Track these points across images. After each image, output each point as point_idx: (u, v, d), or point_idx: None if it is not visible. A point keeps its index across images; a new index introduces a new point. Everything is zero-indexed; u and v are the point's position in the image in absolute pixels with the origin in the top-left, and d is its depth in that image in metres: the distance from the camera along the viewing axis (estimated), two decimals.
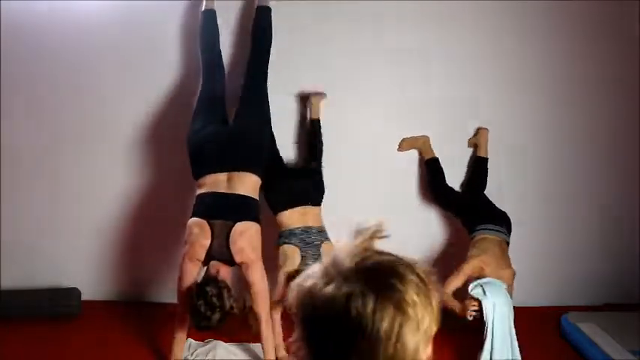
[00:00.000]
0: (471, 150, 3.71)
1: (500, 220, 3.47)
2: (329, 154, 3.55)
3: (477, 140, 3.68)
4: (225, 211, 2.91)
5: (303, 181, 3.37)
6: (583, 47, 3.59)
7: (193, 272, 2.89)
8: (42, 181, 3.59)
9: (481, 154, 3.67)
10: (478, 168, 3.69)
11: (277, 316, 3.12)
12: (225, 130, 3.14)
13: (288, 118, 3.57)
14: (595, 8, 3.52)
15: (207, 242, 2.85)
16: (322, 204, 3.37)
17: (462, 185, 3.74)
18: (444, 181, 3.64)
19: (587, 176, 3.77)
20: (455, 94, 3.62)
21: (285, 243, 3.17)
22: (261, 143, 3.18)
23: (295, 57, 3.49)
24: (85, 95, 3.50)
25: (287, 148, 3.58)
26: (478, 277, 3.19)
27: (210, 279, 2.82)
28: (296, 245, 3.14)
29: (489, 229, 3.40)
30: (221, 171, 2.98)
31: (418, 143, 3.65)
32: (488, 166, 3.66)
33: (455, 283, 3.20)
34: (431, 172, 3.66)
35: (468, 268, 3.22)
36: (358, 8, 3.45)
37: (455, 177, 3.70)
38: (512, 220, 3.65)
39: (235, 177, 2.97)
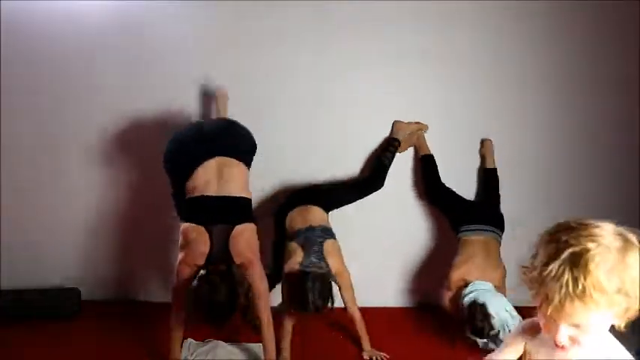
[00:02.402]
0: (468, 151, 3.71)
1: (488, 220, 3.45)
2: (327, 154, 3.57)
3: (482, 152, 3.69)
4: (221, 215, 2.88)
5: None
6: (583, 47, 3.59)
7: (190, 277, 2.89)
8: (42, 181, 3.59)
9: (488, 165, 3.67)
10: (489, 179, 3.67)
11: (289, 321, 3.12)
12: (210, 123, 3.16)
13: (287, 119, 3.58)
14: (595, 8, 3.51)
15: (207, 249, 2.84)
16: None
17: (476, 196, 3.72)
18: (439, 178, 3.62)
19: (588, 176, 3.77)
20: (454, 95, 3.62)
21: (290, 241, 3.20)
22: (251, 136, 3.14)
23: (295, 57, 3.49)
24: (85, 95, 3.50)
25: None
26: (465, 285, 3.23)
27: (224, 274, 2.86)
28: (298, 243, 3.14)
29: (472, 230, 3.39)
30: (210, 157, 2.92)
31: (413, 139, 3.63)
32: (498, 175, 3.65)
33: (447, 296, 3.30)
34: (426, 168, 3.63)
35: (454, 279, 3.28)
36: (358, 8, 3.45)
37: (455, 178, 3.71)
38: (511, 220, 3.66)
39: (225, 170, 2.92)
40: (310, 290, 2.90)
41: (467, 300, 3.15)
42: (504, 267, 3.33)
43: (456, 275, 3.28)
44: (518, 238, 3.77)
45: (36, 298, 3.53)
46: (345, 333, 3.42)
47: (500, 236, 3.45)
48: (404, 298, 3.87)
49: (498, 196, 3.63)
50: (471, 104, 3.64)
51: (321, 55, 3.49)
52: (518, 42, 3.57)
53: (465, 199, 3.64)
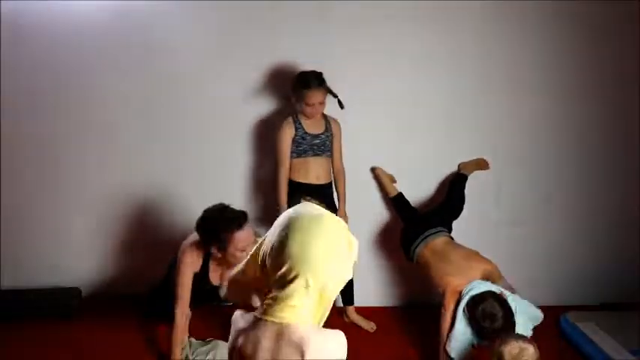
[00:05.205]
0: (469, 151, 3.71)
1: (427, 224, 3.34)
2: None
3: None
4: None
5: None
6: (582, 48, 3.60)
7: (197, 263, 2.95)
8: (42, 180, 3.59)
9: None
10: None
11: None
12: None
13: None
14: (595, 8, 3.52)
15: None
16: None
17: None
18: (414, 210, 3.58)
19: (587, 176, 3.78)
20: (454, 95, 3.63)
21: None
22: None
23: (295, 58, 3.49)
24: (86, 94, 3.51)
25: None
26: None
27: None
28: None
29: (421, 241, 3.27)
30: None
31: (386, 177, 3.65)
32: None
33: (447, 325, 3.04)
34: (399, 206, 3.59)
35: (450, 303, 3.03)
36: (358, 8, 3.46)
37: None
38: (511, 220, 3.66)
39: None
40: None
41: (466, 300, 2.97)
42: (481, 258, 3.15)
43: (452, 296, 3.03)
44: (519, 238, 3.79)
45: (36, 298, 3.53)
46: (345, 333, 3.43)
47: (445, 233, 3.33)
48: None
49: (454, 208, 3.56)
50: (471, 104, 3.65)
51: (322, 54, 3.49)
52: (516, 43, 3.58)
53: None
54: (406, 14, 3.48)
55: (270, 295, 1.46)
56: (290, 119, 3.32)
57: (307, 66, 3.32)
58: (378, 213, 3.74)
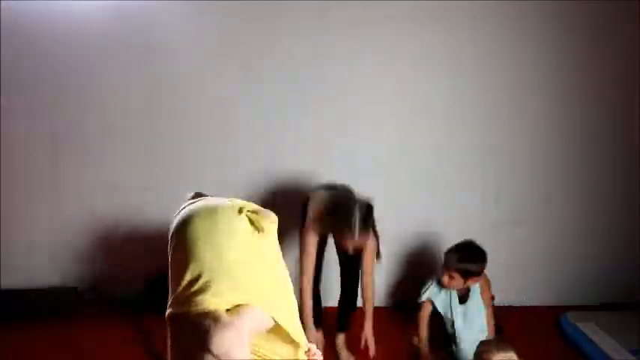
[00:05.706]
0: (469, 151, 3.71)
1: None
2: (327, 154, 3.57)
3: None
4: None
5: None
6: (582, 48, 3.60)
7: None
8: (42, 180, 3.59)
9: None
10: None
11: None
12: None
13: (287, 119, 3.58)
14: (595, 8, 3.52)
15: None
16: None
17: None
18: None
19: (587, 176, 3.78)
20: (454, 95, 3.63)
21: None
22: None
23: (295, 58, 3.49)
24: (85, 95, 3.51)
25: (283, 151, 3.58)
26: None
27: None
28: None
29: None
30: None
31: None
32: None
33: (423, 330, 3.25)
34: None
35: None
36: (358, 9, 3.46)
37: (456, 178, 3.71)
38: (511, 220, 3.65)
39: None
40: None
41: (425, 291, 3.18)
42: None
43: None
44: (519, 238, 3.79)
45: (36, 298, 3.54)
46: (345, 333, 3.43)
47: None
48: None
49: None
50: (471, 104, 3.65)
51: (322, 54, 3.49)
52: (516, 43, 3.58)
53: None
54: (406, 14, 3.47)
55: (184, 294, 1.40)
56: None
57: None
58: (379, 214, 3.73)
